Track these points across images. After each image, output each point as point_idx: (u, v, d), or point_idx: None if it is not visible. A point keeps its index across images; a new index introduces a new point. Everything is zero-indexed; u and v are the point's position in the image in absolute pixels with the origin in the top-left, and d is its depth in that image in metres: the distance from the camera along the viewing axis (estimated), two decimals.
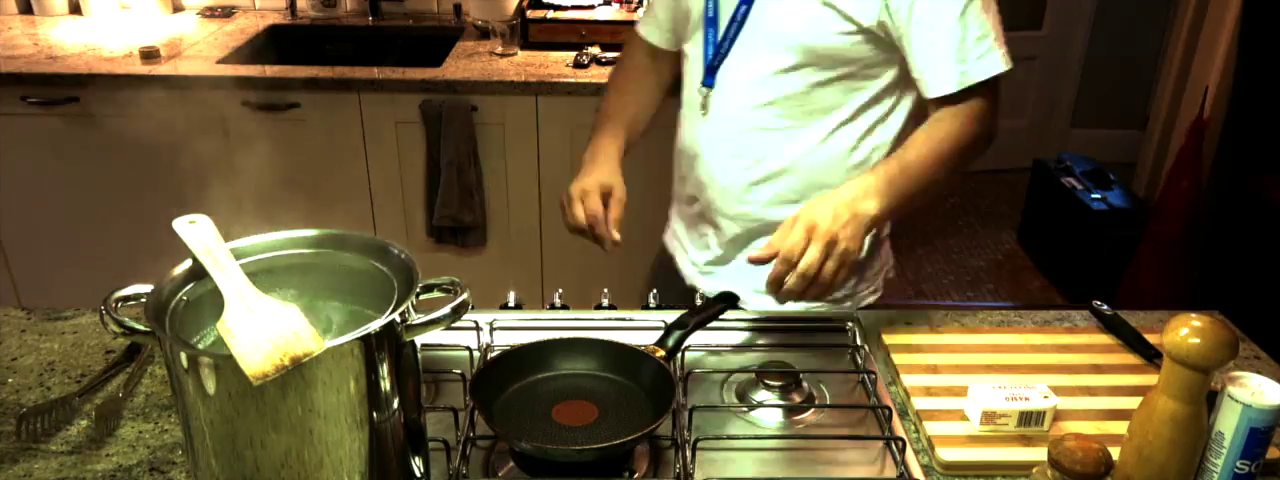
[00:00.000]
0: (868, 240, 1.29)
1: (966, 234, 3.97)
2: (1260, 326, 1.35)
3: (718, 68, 1.40)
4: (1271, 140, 2.93)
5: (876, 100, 1.38)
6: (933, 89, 1.30)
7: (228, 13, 3.06)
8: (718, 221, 1.49)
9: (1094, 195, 3.42)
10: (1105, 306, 1.32)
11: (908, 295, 3.47)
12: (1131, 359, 1.24)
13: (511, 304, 1.34)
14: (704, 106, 1.43)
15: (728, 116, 1.41)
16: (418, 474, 0.95)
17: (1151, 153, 3.68)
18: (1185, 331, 0.88)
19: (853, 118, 1.38)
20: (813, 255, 1.16)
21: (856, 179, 1.26)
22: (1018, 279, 3.65)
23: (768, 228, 1.37)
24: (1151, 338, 1.24)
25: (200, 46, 2.72)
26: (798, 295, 1.18)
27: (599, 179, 1.43)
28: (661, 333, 1.19)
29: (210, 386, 0.80)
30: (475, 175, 2.57)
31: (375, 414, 0.86)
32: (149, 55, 2.56)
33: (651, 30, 1.56)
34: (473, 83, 2.48)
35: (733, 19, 1.36)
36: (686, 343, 1.23)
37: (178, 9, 3.09)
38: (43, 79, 2.47)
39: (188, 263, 0.88)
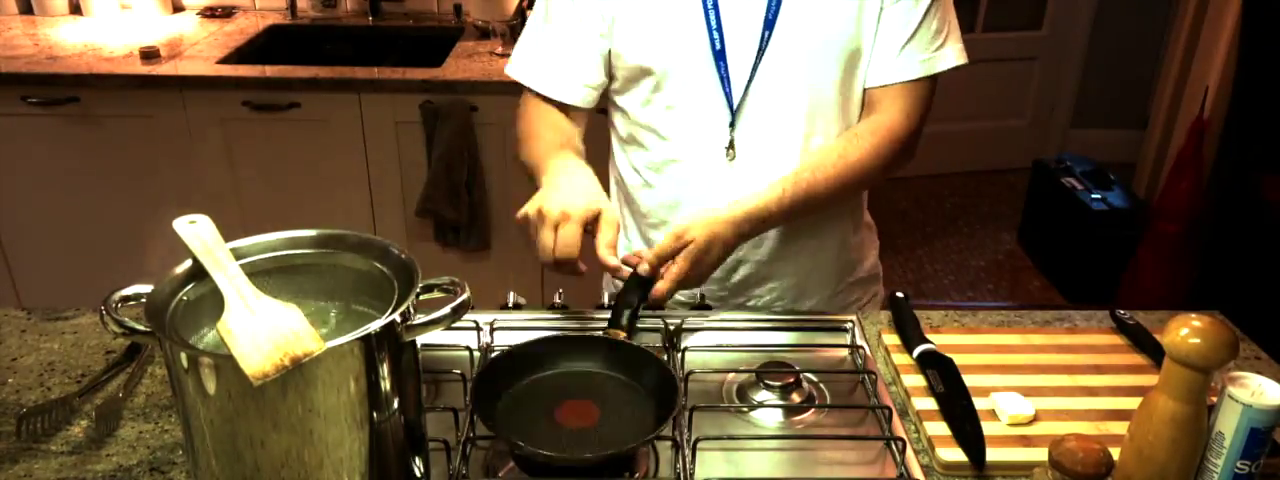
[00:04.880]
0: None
1: (966, 234, 3.97)
2: (1260, 326, 1.35)
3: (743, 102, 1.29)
4: (1271, 140, 2.93)
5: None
6: (891, 74, 1.28)
7: (228, 13, 3.06)
8: None
9: (1094, 195, 3.42)
10: (1129, 315, 1.29)
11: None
12: (1132, 359, 1.23)
13: (511, 304, 1.34)
14: (731, 148, 1.32)
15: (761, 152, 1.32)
16: (418, 474, 0.95)
17: (1151, 153, 3.68)
18: (1185, 331, 0.88)
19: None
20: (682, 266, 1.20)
21: (742, 203, 1.22)
22: (1017, 279, 3.65)
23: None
24: None
25: (200, 46, 2.72)
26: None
27: (581, 196, 1.19)
28: (611, 316, 1.22)
29: (210, 386, 0.80)
30: (475, 175, 2.57)
31: (375, 414, 0.86)
32: (149, 55, 2.56)
33: (565, 87, 1.35)
34: (473, 83, 2.48)
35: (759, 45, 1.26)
36: (686, 343, 1.24)
37: (178, 9, 3.09)
38: (43, 79, 2.47)
39: (188, 263, 0.88)
